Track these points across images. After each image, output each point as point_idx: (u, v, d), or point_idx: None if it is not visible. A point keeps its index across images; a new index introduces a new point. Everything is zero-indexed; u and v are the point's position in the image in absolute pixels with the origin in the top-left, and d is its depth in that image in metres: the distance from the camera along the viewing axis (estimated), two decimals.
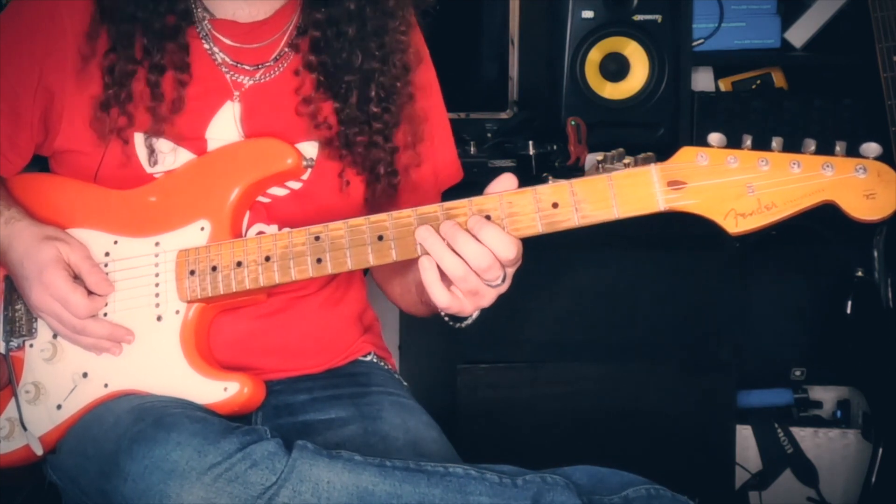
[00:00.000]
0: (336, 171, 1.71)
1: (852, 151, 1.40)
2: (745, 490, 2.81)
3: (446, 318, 1.59)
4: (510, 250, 1.46)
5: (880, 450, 2.63)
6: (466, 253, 1.46)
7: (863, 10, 2.61)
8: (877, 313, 2.62)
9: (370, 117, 1.69)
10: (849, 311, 2.63)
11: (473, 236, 1.46)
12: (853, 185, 1.39)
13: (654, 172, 1.44)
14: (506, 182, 1.50)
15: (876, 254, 2.62)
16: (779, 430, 2.83)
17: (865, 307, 2.63)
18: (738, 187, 1.41)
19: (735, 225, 1.42)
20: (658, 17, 2.68)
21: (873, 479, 2.63)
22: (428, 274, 1.48)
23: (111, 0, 1.65)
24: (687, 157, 1.43)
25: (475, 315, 1.57)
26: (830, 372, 2.89)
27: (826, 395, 2.93)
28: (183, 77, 1.66)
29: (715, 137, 1.43)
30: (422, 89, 1.75)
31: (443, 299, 1.49)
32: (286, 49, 1.71)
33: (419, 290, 1.62)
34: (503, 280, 1.49)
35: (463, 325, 1.60)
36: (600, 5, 2.66)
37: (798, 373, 2.88)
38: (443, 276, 1.48)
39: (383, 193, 1.72)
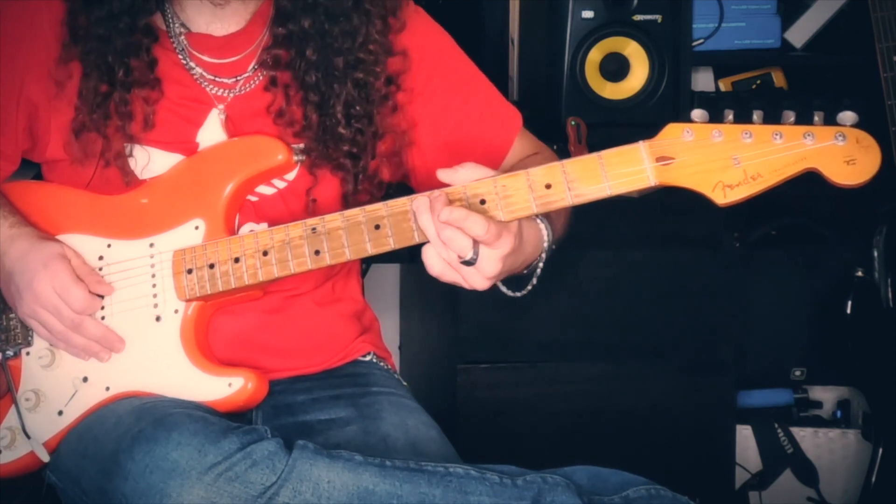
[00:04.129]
0: (306, 188, 1.69)
1: (830, 121, 1.44)
2: (745, 490, 2.81)
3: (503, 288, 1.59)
4: (479, 227, 1.43)
5: (880, 450, 2.63)
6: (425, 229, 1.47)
7: (863, 10, 2.61)
8: (877, 313, 2.62)
9: (337, 138, 1.67)
10: (849, 311, 2.63)
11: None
12: (834, 152, 1.42)
13: (642, 149, 1.46)
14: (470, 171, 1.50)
15: (876, 254, 2.62)
16: (779, 430, 2.83)
17: (865, 307, 2.63)
18: (725, 160, 1.44)
19: (723, 196, 1.44)
20: (658, 17, 2.67)
21: (873, 479, 2.63)
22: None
23: (79, 21, 1.65)
24: (673, 133, 1.46)
25: (530, 285, 1.57)
26: (830, 372, 2.89)
27: (826, 395, 2.93)
28: (152, 94, 1.66)
29: (698, 113, 1.46)
30: (411, 91, 1.72)
31: (437, 267, 1.49)
32: (265, 57, 1.70)
33: None
34: (474, 257, 1.46)
35: (518, 293, 1.59)
36: (600, 5, 2.66)
37: (798, 373, 2.88)
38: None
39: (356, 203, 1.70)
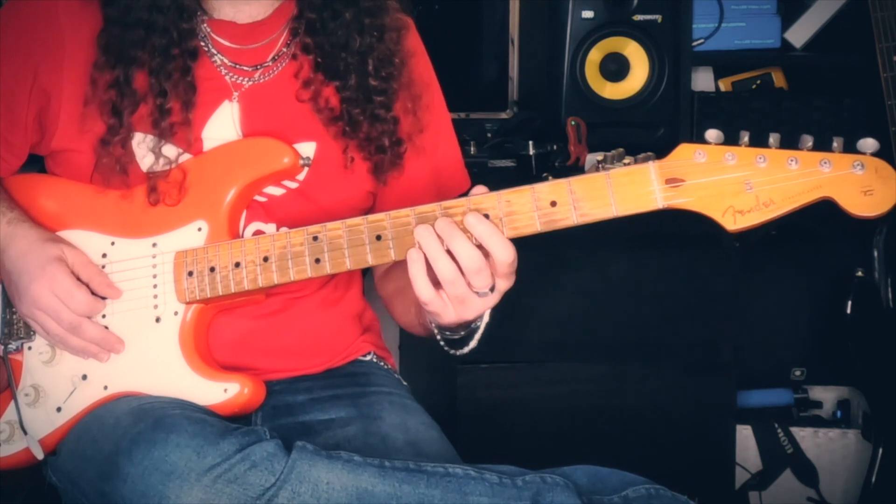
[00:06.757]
0: (340, 149, 1.70)
1: (850, 147, 1.40)
2: (745, 490, 2.81)
3: (442, 344, 1.60)
4: (507, 253, 1.46)
5: (880, 450, 2.63)
6: (460, 254, 1.46)
7: (863, 10, 2.61)
8: (877, 313, 2.62)
9: (371, 91, 1.69)
10: (849, 311, 2.63)
11: (469, 237, 1.46)
12: (851, 181, 1.38)
13: (652, 170, 1.44)
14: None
15: (876, 254, 2.62)
16: (779, 430, 2.83)
17: (865, 307, 2.63)
18: (736, 184, 1.41)
19: (733, 222, 1.42)
20: (658, 17, 2.68)
21: (873, 479, 2.63)
22: (415, 266, 1.48)
23: (115, 39, 1.64)
24: (685, 155, 1.43)
25: (472, 345, 1.58)
26: (830, 372, 2.89)
27: (826, 395, 2.93)
28: (189, 113, 1.65)
29: (712, 134, 1.43)
30: (412, 55, 1.76)
31: (426, 293, 1.48)
32: (284, 48, 1.71)
33: (417, 310, 1.63)
34: (492, 290, 1.49)
35: (459, 352, 1.60)
36: (600, 5, 2.66)
37: (798, 373, 2.89)
38: (431, 276, 1.48)
39: (391, 165, 1.72)
